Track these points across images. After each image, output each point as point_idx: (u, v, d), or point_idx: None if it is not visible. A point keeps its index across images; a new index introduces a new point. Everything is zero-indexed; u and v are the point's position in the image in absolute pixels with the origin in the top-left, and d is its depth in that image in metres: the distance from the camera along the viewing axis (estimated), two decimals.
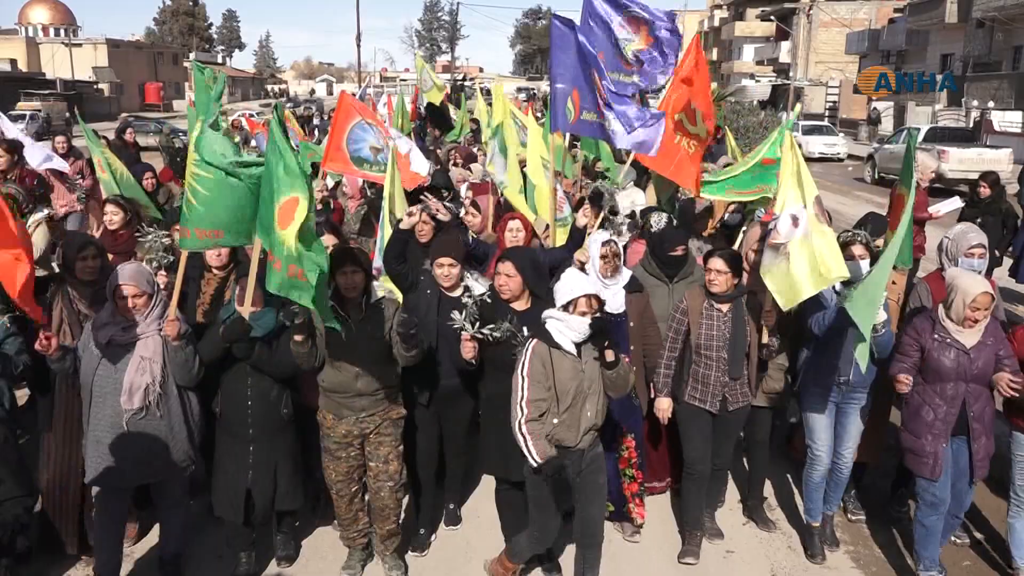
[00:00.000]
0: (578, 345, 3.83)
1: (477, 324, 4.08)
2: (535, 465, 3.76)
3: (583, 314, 3.75)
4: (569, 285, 3.83)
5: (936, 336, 4.18)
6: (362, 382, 4.17)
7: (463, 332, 4.10)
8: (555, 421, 3.85)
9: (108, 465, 4.05)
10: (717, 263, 4.51)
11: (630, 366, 4.31)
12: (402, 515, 4.56)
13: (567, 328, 3.79)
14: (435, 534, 4.90)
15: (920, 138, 22.86)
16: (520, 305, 4.37)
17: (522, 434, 3.78)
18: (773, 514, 5.21)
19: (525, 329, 4.13)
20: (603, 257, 4.75)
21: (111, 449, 4.03)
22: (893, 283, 4.91)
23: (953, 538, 4.78)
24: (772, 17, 51.51)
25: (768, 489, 5.37)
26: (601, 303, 3.85)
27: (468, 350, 4.14)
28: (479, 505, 5.20)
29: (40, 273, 5.07)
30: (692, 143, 5.44)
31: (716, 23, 64.92)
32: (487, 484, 5.10)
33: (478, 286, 4.52)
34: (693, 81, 5.32)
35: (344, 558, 4.57)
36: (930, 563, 4.38)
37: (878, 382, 4.63)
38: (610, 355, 3.80)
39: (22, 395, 5.40)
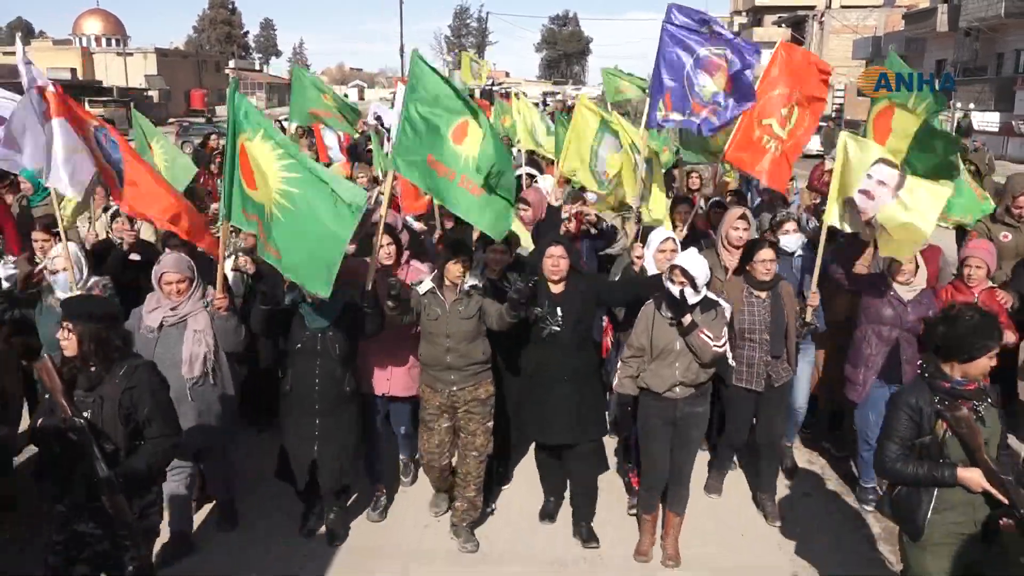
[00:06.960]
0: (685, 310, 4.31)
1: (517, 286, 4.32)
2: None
3: (672, 282, 4.29)
4: (676, 257, 4.43)
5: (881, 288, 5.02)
6: (452, 357, 4.53)
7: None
8: (647, 368, 4.47)
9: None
10: (768, 254, 4.84)
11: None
12: (481, 487, 4.82)
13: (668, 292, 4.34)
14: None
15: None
16: (558, 288, 4.72)
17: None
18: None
19: (559, 309, 4.61)
20: (660, 251, 4.99)
21: (179, 417, 4.20)
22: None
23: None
24: (784, 24, 53.13)
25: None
26: (689, 278, 4.20)
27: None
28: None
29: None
30: (778, 144, 5.51)
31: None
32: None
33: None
34: (778, 83, 5.51)
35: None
36: (869, 489, 5.25)
37: (825, 335, 5.48)
38: (686, 319, 4.30)
39: None
